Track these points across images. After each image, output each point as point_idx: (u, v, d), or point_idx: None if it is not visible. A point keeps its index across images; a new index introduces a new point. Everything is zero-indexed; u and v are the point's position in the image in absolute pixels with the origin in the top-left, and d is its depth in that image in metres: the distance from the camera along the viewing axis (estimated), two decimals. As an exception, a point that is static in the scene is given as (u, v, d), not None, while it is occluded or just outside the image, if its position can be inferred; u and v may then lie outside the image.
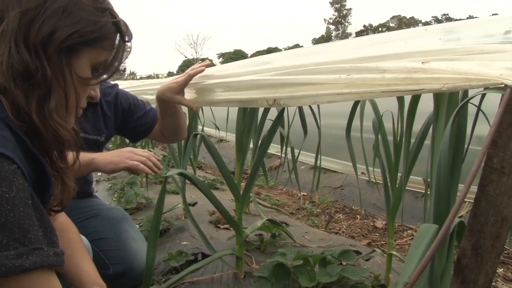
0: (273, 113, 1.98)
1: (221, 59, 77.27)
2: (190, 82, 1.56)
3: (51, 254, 0.77)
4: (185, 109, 1.75)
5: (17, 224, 0.71)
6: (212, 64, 1.60)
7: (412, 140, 1.56)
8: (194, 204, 3.11)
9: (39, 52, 0.80)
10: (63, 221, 1.21)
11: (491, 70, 0.75)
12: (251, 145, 2.05)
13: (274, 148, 4.00)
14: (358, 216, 3.37)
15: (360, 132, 2.04)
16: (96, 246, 1.58)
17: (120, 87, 1.91)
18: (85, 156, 1.46)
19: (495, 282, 2.09)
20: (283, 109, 1.93)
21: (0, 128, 0.76)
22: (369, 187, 3.73)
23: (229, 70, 1.54)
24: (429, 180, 1.22)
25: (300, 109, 2.34)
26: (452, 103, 1.01)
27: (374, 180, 2.47)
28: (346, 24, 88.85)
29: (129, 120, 1.84)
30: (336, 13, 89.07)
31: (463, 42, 0.95)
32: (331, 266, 1.72)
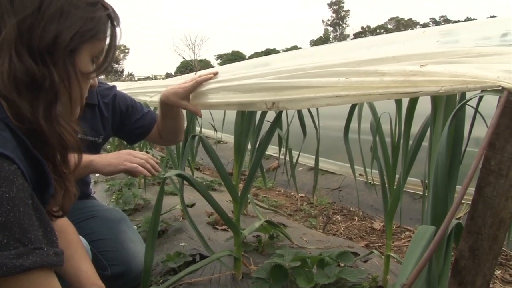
0: (271, 115, 1.98)
1: (219, 60, 77.31)
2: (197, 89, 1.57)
3: (51, 253, 0.77)
4: (184, 111, 1.75)
5: (17, 224, 0.71)
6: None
7: (410, 142, 1.57)
8: (192, 205, 3.11)
9: (45, 58, 0.79)
10: (62, 222, 1.21)
11: (488, 73, 0.76)
12: (249, 147, 2.05)
13: (272, 150, 4.01)
14: (356, 218, 3.38)
15: (358, 134, 2.04)
16: (94, 247, 1.58)
17: (118, 88, 1.91)
18: (83, 158, 1.46)
19: (493, 284, 2.10)
20: (281, 111, 1.93)
21: (0, 129, 0.76)
22: (366, 189, 3.74)
23: (227, 72, 1.55)
24: (426, 181, 1.22)
25: (299, 111, 2.35)
26: (449, 105, 1.02)
27: (372, 182, 2.47)
28: (344, 25, 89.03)
29: (126, 122, 1.84)
30: (334, 15, 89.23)
31: (460, 45, 0.96)
32: (329, 267, 1.72)
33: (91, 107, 1.73)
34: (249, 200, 2.96)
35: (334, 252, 1.87)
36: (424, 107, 1.43)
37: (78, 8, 0.83)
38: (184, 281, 1.92)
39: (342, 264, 1.86)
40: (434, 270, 0.87)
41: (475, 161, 0.70)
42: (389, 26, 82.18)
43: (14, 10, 0.77)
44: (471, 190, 0.83)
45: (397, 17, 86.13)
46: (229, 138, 5.93)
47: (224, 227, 2.67)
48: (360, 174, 3.52)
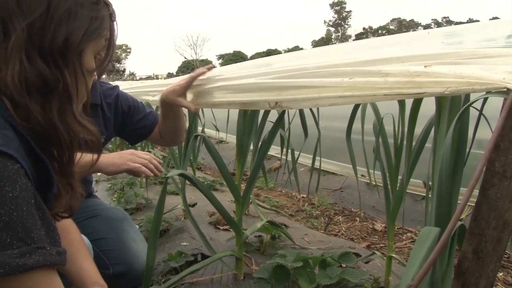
0: (273, 115, 1.98)
1: (220, 60, 77.35)
2: (192, 84, 1.57)
3: (54, 253, 0.77)
4: (185, 111, 1.75)
5: (20, 223, 0.71)
6: (213, 67, 1.61)
7: (413, 143, 1.56)
8: (193, 205, 3.11)
9: (57, 61, 0.79)
10: (64, 221, 1.21)
11: (493, 74, 0.75)
12: (251, 147, 2.05)
13: (273, 150, 4.01)
14: (358, 219, 3.38)
15: (360, 135, 2.03)
16: (96, 246, 1.58)
17: (120, 87, 1.91)
18: (88, 157, 1.47)
19: (495, 286, 2.09)
20: (283, 111, 1.93)
21: (3, 127, 0.75)
22: (368, 190, 3.73)
23: (230, 72, 1.55)
24: (430, 183, 1.22)
25: (301, 111, 2.34)
26: (454, 106, 1.01)
27: (374, 183, 2.47)
28: (346, 26, 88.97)
29: (128, 122, 1.84)
30: (336, 15, 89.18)
31: (465, 46, 0.95)
32: (331, 268, 1.72)
33: (94, 107, 1.73)
34: (250, 200, 2.96)
35: (336, 253, 1.87)
36: (427, 108, 1.43)
37: (84, 8, 0.83)
38: (185, 280, 1.92)
39: (344, 265, 1.85)
40: (437, 272, 0.87)
41: (480, 163, 0.70)
42: (391, 27, 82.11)
43: (22, 13, 0.77)
44: (475, 192, 0.82)
45: (399, 18, 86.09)
46: (231, 138, 5.93)
47: (225, 227, 2.67)
48: (362, 175, 3.52)
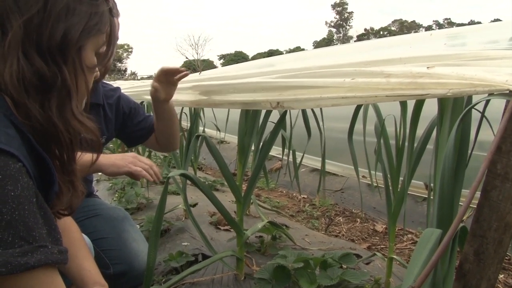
0: (275, 116, 1.98)
1: (222, 61, 77.34)
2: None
3: (55, 251, 0.77)
4: (186, 110, 1.75)
5: (22, 222, 0.71)
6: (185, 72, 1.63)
7: (415, 144, 1.56)
8: (194, 205, 3.11)
9: (55, 57, 0.78)
10: (65, 221, 1.21)
11: (496, 76, 0.75)
12: (252, 147, 2.05)
13: (274, 150, 4.00)
14: (358, 220, 3.37)
15: (361, 136, 2.03)
16: (97, 246, 1.58)
17: (122, 87, 1.92)
18: (88, 156, 1.47)
19: (495, 288, 2.09)
20: (285, 112, 1.93)
21: (5, 126, 0.75)
22: (369, 191, 3.73)
23: (232, 72, 1.55)
24: (431, 184, 1.22)
25: (304, 112, 2.34)
26: (456, 108, 1.01)
27: (375, 184, 2.46)
28: (348, 27, 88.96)
29: (129, 123, 1.85)
30: (337, 16, 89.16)
31: (468, 48, 0.95)
32: (331, 269, 1.72)
33: (96, 107, 1.73)
34: (251, 201, 2.96)
35: (337, 254, 1.87)
36: (428, 109, 1.43)
37: (82, 3, 0.82)
38: (186, 280, 1.92)
39: (344, 266, 1.85)
40: (439, 273, 0.87)
41: (483, 165, 0.70)
42: (393, 28, 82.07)
43: (19, 9, 0.76)
44: (477, 193, 0.82)
45: (401, 19, 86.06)
46: (232, 138, 5.93)
47: (226, 227, 2.67)
48: (363, 176, 3.52)
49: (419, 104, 1.50)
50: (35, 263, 0.72)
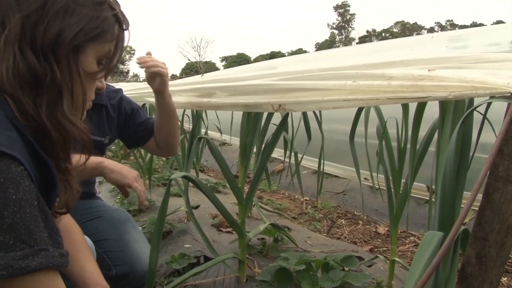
0: (277, 118, 1.98)
1: (224, 62, 77.39)
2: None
3: (56, 255, 0.77)
4: (188, 112, 1.75)
5: (23, 225, 0.71)
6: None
7: (417, 147, 1.56)
8: (196, 207, 3.11)
9: (47, 55, 0.79)
10: (67, 222, 1.21)
11: (498, 79, 0.75)
12: (254, 149, 2.05)
13: (277, 152, 4.00)
14: (360, 222, 3.37)
15: (363, 138, 2.03)
16: (99, 247, 1.58)
17: (124, 89, 1.93)
18: (93, 159, 1.48)
19: (498, 290, 2.08)
20: (287, 114, 1.93)
21: (7, 129, 0.75)
22: (371, 193, 3.72)
23: (234, 74, 1.55)
24: (433, 187, 1.22)
25: (304, 114, 2.35)
26: (458, 110, 1.01)
27: (377, 186, 2.46)
28: (350, 29, 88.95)
29: (131, 123, 1.86)
30: (339, 18, 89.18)
31: (469, 50, 0.95)
32: (333, 271, 1.72)
33: (99, 107, 1.75)
34: (253, 203, 2.95)
35: (339, 256, 1.87)
36: (430, 111, 1.43)
37: (84, 7, 0.83)
38: (188, 282, 1.92)
39: (346, 268, 1.85)
40: (440, 276, 0.87)
41: (484, 168, 0.70)
42: (395, 30, 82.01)
43: (19, 7, 0.78)
44: (479, 196, 0.82)
45: (403, 21, 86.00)
46: (234, 140, 5.93)
47: (228, 229, 2.67)
48: (365, 178, 3.52)
49: (421, 106, 1.50)
50: (36, 266, 0.72)
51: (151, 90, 1.72)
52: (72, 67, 0.83)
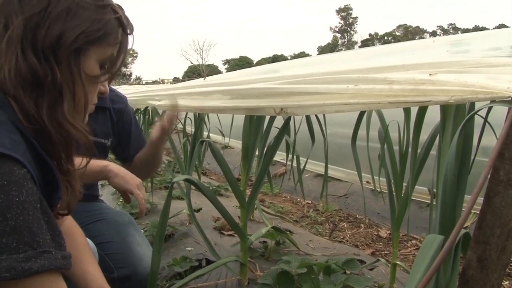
0: (279, 121, 1.99)
1: (226, 66, 77.43)
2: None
3: (59, 257, 0.77)
4: (190, 115, 1.76)
5: (26, 227, 0.71)
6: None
7: (418, 150, 1.56)
8: (198, 210, 3.11)
9: (48, 56, 0.80)
10: (70, 225, 1.22)
11: (498, 83, 0.76)
12: (257, 152, 2.05)
13: (279, 156, 4.00)
14: (362, 225, 3.37)
15: (365, 141, 2.04)
16: (102, 250, 1.58)
17: (126, 92, 1.94)
18: (98, 162, 1.49)
19: (500, 295, 2.08)
20: (289, 117, 1.94)
21: (11, 131, 0.76)
22: (373, 196, 3.72)
23: (237, 77, 1.55)
24: (435, 190, 1.22)
25: (308, 117, 2.35)
26: (459, 114, 1.02)
27: (379, 189, 2.46)
28: (352, 32, 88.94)
29: (127, 130, 1.90)
30: (342, 21, 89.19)
31: (470, 55, 0.96)
32: (335, 274, 1.72)
33: (103, 110, 1.76)
34: (255, 206, 2.96)
35: (341, 259, 1.86)
36: (432, 115, 1.43)
37: (86, 9, 0.84)
38: (190, 285, 1.92)
39: (348, 272, 1.85)
40: (441, 280, 0.87)
41: (484, 172, 0.70)
42: (397, 34, 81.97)
43: (21, 9, 0.79)
44: (480, 199, 0.82)
45: (405, 24, 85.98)
46: (236, 144, 5.94)
47: (230, 232, 2.67)
48: (367, 182, 3.51)
49: (422, 110, 1.50)
50: (38, 268, 0.72)
51: (154, 93, 1.72)
52: (73, 69, 0.83)
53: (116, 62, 0.93)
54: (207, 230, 2.66)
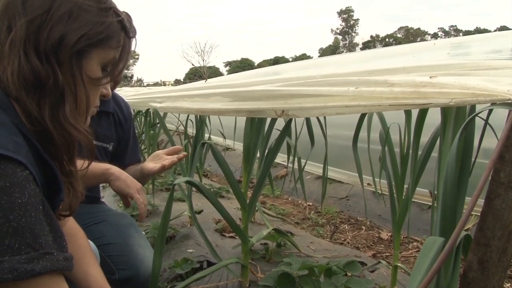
0: (280, 123, 1.99)
1: (228, 68, 77.46)
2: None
3: (61, 258, 0.77)
4: (192, 117, 1.77)
5: (28, 229, 0.72)
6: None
7: (419, 152, 1.57)
8: (199, 212, 3.12)
9: (50, 58, 0.81)
10: (71, 226, 1.22)
11: (498, 86, 0.76)
12: (258, 154, 2.06)
13: (280, 158, 4.01)
14: (364, 227, 3.37)
15: (366, 143, 2.04)
16: (103, 251, 1.59)
17: (128, 94, 1.95)
18: (100, 165, 1.50)
19: (501, 297, 2.08)
20: (290, 120, 1.94)
21: (13, 134, 0.76)
22: (374, 198, 3.72)
23: (238, 80, 1.56)
24: (435, 192, 1.22)
25: (308, 119, 2.35)
26: (459, 117, 1.02)
27: (380, 192, 2.46)
28: (353, 34, 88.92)
29: (122, 141, 1.91)
30: (343, 23, 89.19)
31: (471, 58, 0.96)
32: (336, 276, 1.72)
33: (107, 114, 1.77)
34: (257, 208, 2.96)
35: (342, 262, 1.87)
36: (433, 117, 1.43)
37: (88, 12, 0.84)
38: (191, 287, 1.92)
39: (349, 274, 1.85)
40: (442, 282, 0.87)
41: (484, 174, 0.70)
42: (398, 35, 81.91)
43: (24, 11, 0.80)
44: (480, 201, 0.82)
45: (406, 26, 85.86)
46: (237, 145, 5.93)
47: (231, 234, 2.67)
48: (368, 184, 3.51)
49: (423, 112, 1.50)
50: (41, 270, 0.72)
51: (155, 95, 1.73)
52: (75, 71, 0.84)
53: (118, 65, 0.94)
54: (208, 232, 2.66)
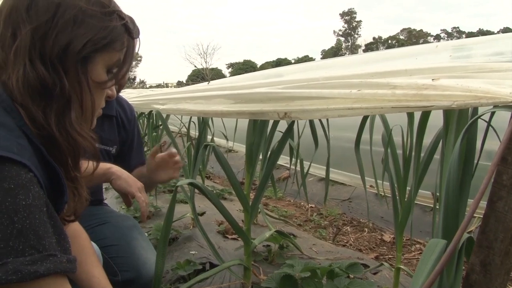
0: (283, 125, 1.99)
1: (230, 69, 77.50)
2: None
3: (65, 260, 0.78)
4: (194, 119, 1.78)
5: (32, 231, 0.72)
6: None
7: (421, 154, 1.57)
8: (202, 214, 3.12)
9: (56, 65, 0.81)
10: (75, 228, 1.22)
11: (500, 89, 0.76)
12: (260, 156, 2.06)
13: (282, 160, 4.01)
14: (366, 229, 3.36)
15: (369, 145, 2.04)
16: (106, 253, 1.59)
17: (130, 96, 1.96)
18: (102, 165, 1.50)
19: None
20: (293, 121, 1.94)
21: (17, 136, 0.77)
22: (377, 200, 3.72)
23: (240, 82, 1.56)
24: (438, 194, 1.22)
25: (311, 122, 2.35)
26: (462, 119, 1.02)
27: (382, 193, 2.46)
28: (356, 36, 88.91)
29: (126, 143, 1.91)
30: (346, 25, 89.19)
31: (473, 60, 0.96)
32: (338, 278, 1.72)
33: (109, 118, 1.78)
34: (259, 210, 2.96)
35: (344, 264, 1.86)
36: (436, 119, 1.43)
37: (93, 17, 0.84)
38: (193, 289, 1.92)
39: (351, 276, 1.85)
40: (445, 284, 0.87)
41: (487, 176, 0.70)
42: (401, 37, 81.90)
43: (29, 19, 0.80)
44: (483, 203, 0.82)
45: (409, 28, 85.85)
46: (240, 147, 5.94)
47: (234, 236, 2.68)
48: (371, 186, 3.51)
49: (426, 114, 1.50)
50: (44, 271, 0.73)
51: (158, 97, 1.73)
52: (81, 77, 0.84)
53: (123, 66, 0.94)
54: (211, 233, 2.66)
